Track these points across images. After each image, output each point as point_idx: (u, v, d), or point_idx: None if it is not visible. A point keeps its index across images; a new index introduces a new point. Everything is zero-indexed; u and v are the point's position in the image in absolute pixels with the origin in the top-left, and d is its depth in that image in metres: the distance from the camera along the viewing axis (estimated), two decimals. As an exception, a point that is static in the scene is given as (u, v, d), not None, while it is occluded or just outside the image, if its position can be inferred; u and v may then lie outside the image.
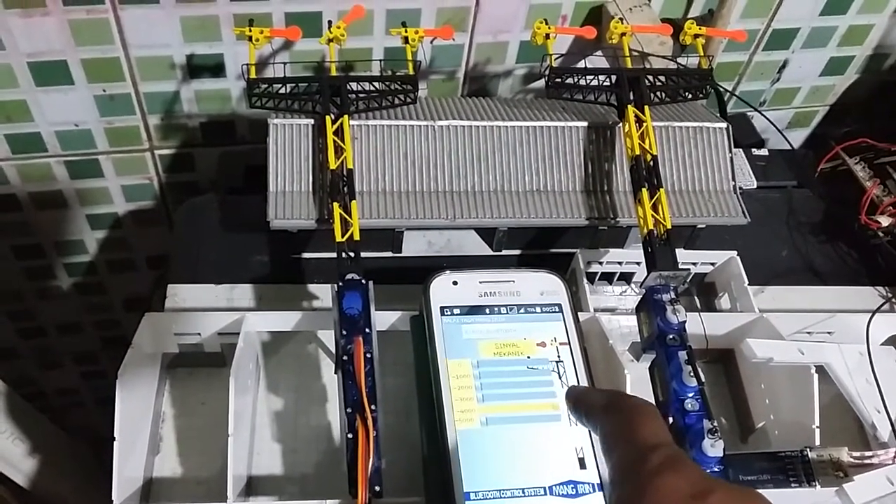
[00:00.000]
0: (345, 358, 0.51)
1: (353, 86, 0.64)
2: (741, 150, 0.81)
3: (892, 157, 0.79)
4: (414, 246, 0.70)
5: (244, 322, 0.57)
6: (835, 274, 0.75)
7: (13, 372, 1.11)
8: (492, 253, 0.71)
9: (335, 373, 0.52)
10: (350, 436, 0.48)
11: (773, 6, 0.81)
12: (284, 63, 0.69)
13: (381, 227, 0.64)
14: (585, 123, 0.67)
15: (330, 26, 0.65)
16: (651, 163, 0.61)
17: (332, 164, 0.60)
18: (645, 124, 0.63)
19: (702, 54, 0.69)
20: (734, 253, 0.67)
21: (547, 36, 0.66)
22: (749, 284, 0.65)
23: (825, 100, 0.96)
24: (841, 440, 0.54)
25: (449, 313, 0.53)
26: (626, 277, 0.70)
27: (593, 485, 0.44)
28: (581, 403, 0.40)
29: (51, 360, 1.13)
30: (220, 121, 0.80)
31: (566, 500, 0.44)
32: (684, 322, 0.54)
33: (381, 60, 0.74)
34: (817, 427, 0.55)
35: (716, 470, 0.50)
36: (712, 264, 0.69)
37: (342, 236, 0.57)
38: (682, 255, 0.65)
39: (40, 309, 1.01)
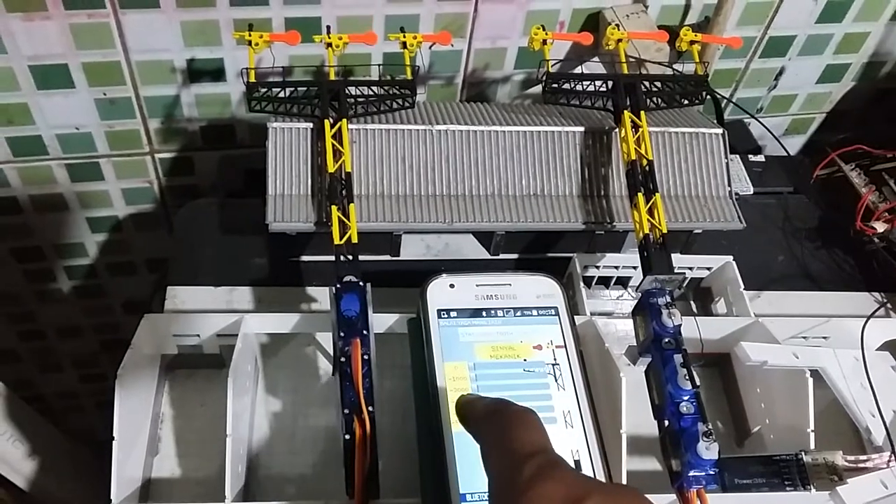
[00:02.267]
0: (342, 360, 0.51)
1: (352, 90, 0.64)
2: (738, 156, 0.81)
3: (887, 164, 0.79)
4: (412, 249, 0.70)
5: (243, 324, 0.57)
6: (830, 279, 0.76)
7: (13, 374, 1.11)
8: (489, 257, 0.71)
9: (333, 374, 0.52)
10: (347, 437, 0.48)
11: (770, 14, 0.82)
12: (284, 67, 0.69)
13: (379, 230, 0.64)
14: (582, 128, 0.68)
15: (329, 31, 0.65)
16: (647, 168, 0.62)
17: (331, 168, 0.60)
18: (641, 129, 0.63)
19: (698, 61, 0.69)
20: (730, 258, 0.68)
21: (544, 42, 0.66)
22: (745, 289, 0.65)
23: (821, 107, 0.97)
24: (836, 444, 0.55)
25: (446, 316, 0.53)
26: (623, 281, 0.71)
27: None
28: (465, 414, 0.39)
29: (50, 362, 1.13)
30: (219, 124, 0.80)
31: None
32: (680, 326, 0.54)
33: (379, 65, 0.75)
34: (812, 431, 0.55)
35: (711, 473, 0.50)
36: (708, 269, 0.69)
37: (340, 239, 0.57)
38: (679, 259, 0.66)
39: (40, 312, 1.02)
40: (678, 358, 0.53)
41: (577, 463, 0.48)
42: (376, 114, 0.65)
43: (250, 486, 0.57)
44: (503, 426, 0.35)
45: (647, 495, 0.32)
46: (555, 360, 0.52)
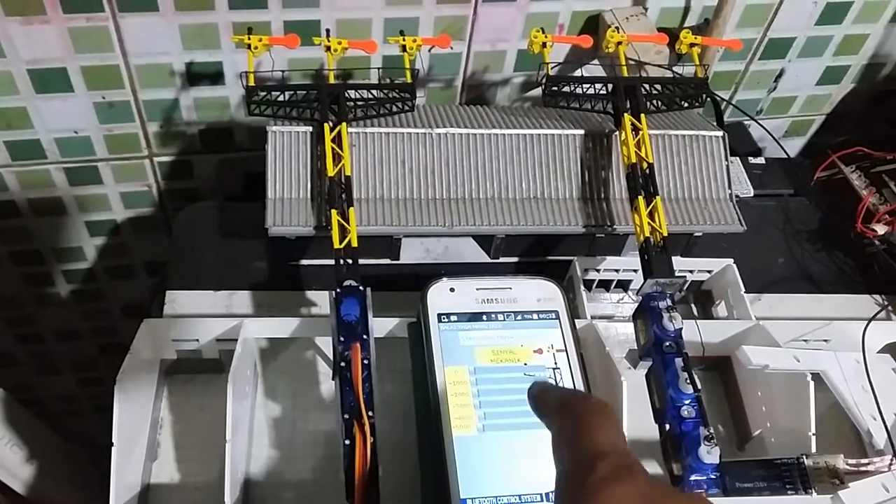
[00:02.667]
0: (342, 364, 0.51)
1: (352, 93, 0.64)
2: (738, 158, 0.81)
3: (888, 166, 0.79)
4: (411, 253, 0.70)
5: (242, 328, 0.57)
6: (831, 282, 0.75)
7: (11, 378, 1.11)
8: (489, 260, 0.71)
9: (332, 379, 0.52)
10: (347, 442, 0.48)
11: (769, 16, 0.82)
12: (283, 71, 0.69)
13: (379, 234, 0.64)
14: (582, 131, 0.67)
15: (328, 34, 0.65)
16: (647, 171, 0.61)
17: (331, 172, 0.60)
18: (641, 132, 0.63)
19: (697, 63, 0.69)
20: (731, 261, 0.68)
21: (544, 45, 0.66)
22: (745, 292, 0.65)
23: (821, 109, 0.97)
24: (837, 447, 0.54)
25: (446, 320, 0.53)
26: (624, 285, 0.71)
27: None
28: (539, 402, 0.37)
29: (49, 366, 1.12)
30: (218, 128, 0.80)
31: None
32: (681, 329, 0.54)
33: (379, 68, 0.75)
34: (813, 434, 0.55)
35: (712, 477, 0.50)
36: (709, 272, 0.69)
37: (340, 243, 0.57)
38: (679, 262, 0.66)
39: (38, 315, 1.01)
40: (679, 362, 0.53)
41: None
42: (376, 117, 0.65)
43: (249, 492, 0.57)
44: (577, 419, 0.34)
45: None
46: (555, 364, 0.52)
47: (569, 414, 0.35)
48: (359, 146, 0.64)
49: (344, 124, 0.62)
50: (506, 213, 0.65)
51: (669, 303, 0.56)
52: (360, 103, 0.64)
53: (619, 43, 0.67)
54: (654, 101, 0.67)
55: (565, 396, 0.36)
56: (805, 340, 0.65)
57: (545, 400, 0.37)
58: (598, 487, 0.30)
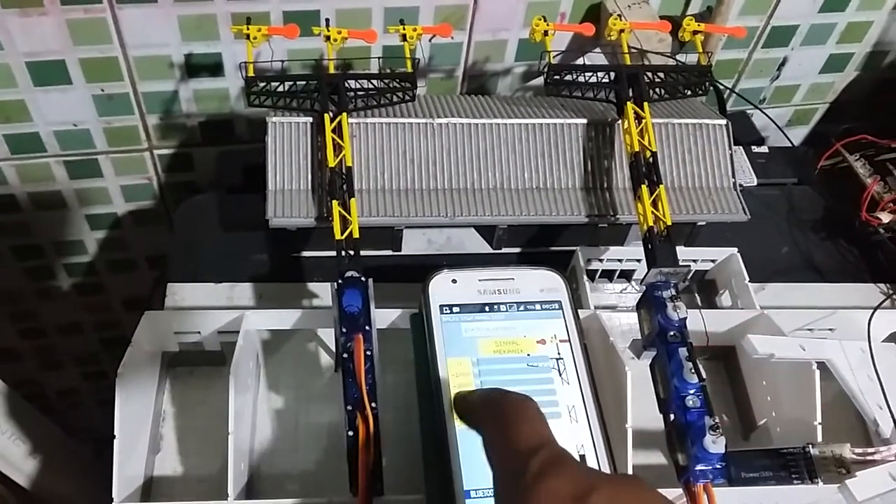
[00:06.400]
0: (345, 356, 0.51)
1: (352, 83, 0.64)
2: (741, 147, 0.81)
3: (892, 154, 0.79)
4: (413, 244, 0.70)
5: (244, 321, 0.57)
6: (836, 271, 0.75)
7: (14, 372, 1.11)
8: (492, 251, 0.70)
9: (335, 371, 0.52)
10: (350, 433, 0.48)
11: (773, 3, 0.81)
12: (283, 61, 0.69)
13: (381, 225, 0.64)
14: (585, 120, 0.67)
15: (328, 24, 0.64)
16: (651, 159, 0.61)
17: (331, 162, 0.60)
18: (644, 121, 0.62)
19: (701, 51, 0.68)
20: (735, 250, 0.67)
21: (545, 33, 0.65)
22: (750, 281, 0.65)
23: (825, 97, 0.96)
24: (843, 437, 0.54)
25: (448, 312, 0.53)
26: (627, 275, 0.70)
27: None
28: (462, 407, 0.38)
29: (51, 360, 1.12)
30: (218, 120, 0.80)
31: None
32: (685, 319, 0.54)
33: (379, 58, 0.74)
34: (819, 423, 0.55)
35: (718, 467, 0.50)
36: (713, 261, 0.69)
37: (341, 234, 0.57)
38: (683, 252, 0.65)
39: (40, 309, 1.01)
40: (683, 351, 0.52)
41: (583, 458, 0.48)
42: (376, 107, 0.65)
43: (253, 484, 0.57)
44: (502, 419, 0.35)
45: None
46: (559, 354, 0.52)
47: (491, 414, 0.36)
48: (359, 136, 0.64)
49: (344, 114, 0.61)
50: (508, 203, 0.65)
51: (673, 292, 0.55)
52: (360, 93, 0.64)
53: (622, 31, 0.67)
54: (657, 90, 0.66)
55: (485, 396, 0.37)
56: (810, 329, 0.64)
57: (467, 404, 0.38)
58: (532, 485, 0.31)
